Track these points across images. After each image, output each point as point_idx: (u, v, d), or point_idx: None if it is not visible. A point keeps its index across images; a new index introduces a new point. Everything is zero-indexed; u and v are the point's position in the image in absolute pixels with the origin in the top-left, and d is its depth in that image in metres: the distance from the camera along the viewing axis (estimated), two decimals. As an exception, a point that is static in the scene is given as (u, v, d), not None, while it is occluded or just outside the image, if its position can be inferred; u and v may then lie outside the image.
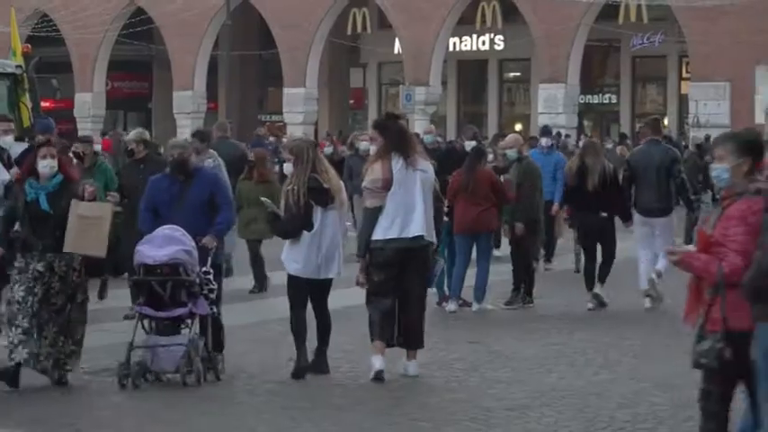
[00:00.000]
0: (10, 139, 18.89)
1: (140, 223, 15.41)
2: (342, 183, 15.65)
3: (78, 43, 63.75)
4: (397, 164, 14.50)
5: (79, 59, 64.27)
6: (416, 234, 14.53)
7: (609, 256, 21.45)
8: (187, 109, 61.52)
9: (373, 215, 14.67)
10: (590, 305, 20.94)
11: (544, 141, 27.76)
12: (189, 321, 14.16)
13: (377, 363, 14.48)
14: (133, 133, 21.59)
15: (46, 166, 14.12)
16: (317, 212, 14.61)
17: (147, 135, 20.79)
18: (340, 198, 15.05)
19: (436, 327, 17.74)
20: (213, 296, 14.55)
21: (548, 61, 55.17)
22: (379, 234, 14.51)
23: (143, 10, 62.61)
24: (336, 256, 14.86)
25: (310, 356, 14.95)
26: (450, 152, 30.08)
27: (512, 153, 21.54)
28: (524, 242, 21.30)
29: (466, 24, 59.31)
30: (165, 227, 14.24)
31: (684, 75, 56.09)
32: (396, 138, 14.82)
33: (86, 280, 14.58)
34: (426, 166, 15.12)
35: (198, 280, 14.00)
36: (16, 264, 14.16)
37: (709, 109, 50.43)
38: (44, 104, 29.96)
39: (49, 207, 14.04)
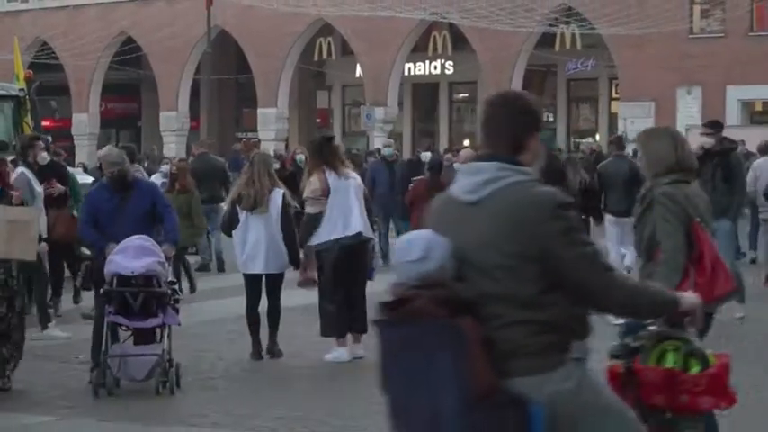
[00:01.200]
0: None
1: (82, 235, 14.37)
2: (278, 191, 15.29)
3: (75, 69, 63.45)
4: (330, 175, 14.89)
5: (76, 83, 64.03)
6: (356, 231, 14.85)
7: None
8: (172, 127, 61.43)
9: (313, 220, 14.91)
10: None
11: (448, 157, 27.31)
12: (160, 331, 12.69)
13: (345, 354, 14.72)
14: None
15: None
16: (243, 215, 14.93)
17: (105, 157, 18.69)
18: (269, 204, 14.97)
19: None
20: (179, 306, 13.17)
21: (492, 84, 54.65)
22: (324, 236, 14.73)
23: (132, 39, 62.32)
24: (262, 254, 14.89)
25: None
26: (412, 163, 31.05)
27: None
28: None
29: (419, 51, 59.22)
30: (135, 237, 12.77)
31: (614, 95, 55.97)
32: (326, 155, 15.19)
33: (23, 287, 13.85)
34: (354, 175, 15.60)
35: (169, 291, 12.71)
36: None
37: (637, 126, 49.88)
38: (44, 123, 29.69)
39: None
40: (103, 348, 12.51)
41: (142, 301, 12.43)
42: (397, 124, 58.93)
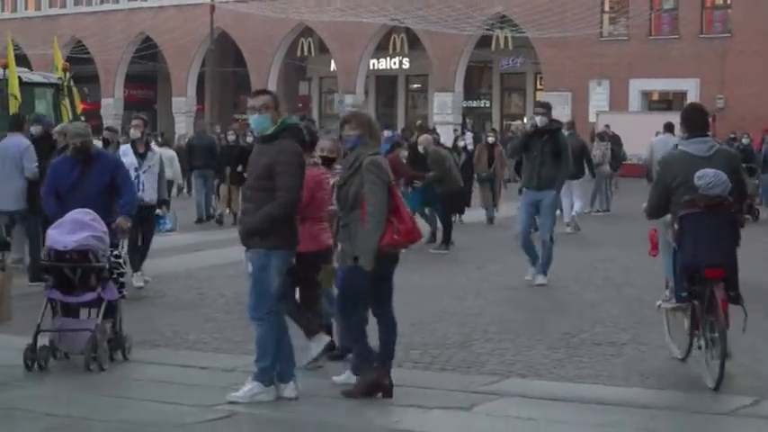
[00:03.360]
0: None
1: (44, 206, 11.86)
2: None
3: (103, 62, 63.13)
4: None
5: (104, 73, 63.60)
6: None
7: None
8: (182, 110, 61.13)
9: None
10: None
11: (387, 133, 25.16)
12: (96, 306, 10.31)
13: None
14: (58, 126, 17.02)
15: None
16: None
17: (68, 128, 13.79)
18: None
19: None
20: (123, 279, 10.91)
21: (440, 76, 54.94)
22: None
23: (150, 38, 62.08)
24: None
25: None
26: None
27: (422, 148, 21.08)
28: (446, 205, 20.40)
29: (382, 50, 58.91)
30: (75, 211, 10.52)
31: (538, 87, 55.71)
32: None
33: None
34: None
35: (107, 265, 10.34)
36: None
37: (557, 111, 50.39)
38: (80, 106, 29.51)
39: None
40: (39, 321, 10.17)
41: (80, 276, 10.22)
42: (364, 108, 58.80)
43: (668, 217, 9.93)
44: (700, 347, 9.54)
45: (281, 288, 8.80)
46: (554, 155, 14.87)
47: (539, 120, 14.99)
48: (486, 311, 13.01)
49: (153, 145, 16.29)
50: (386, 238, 8.57)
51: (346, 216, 8.81)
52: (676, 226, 9.57)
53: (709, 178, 9.31)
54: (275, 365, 8.70)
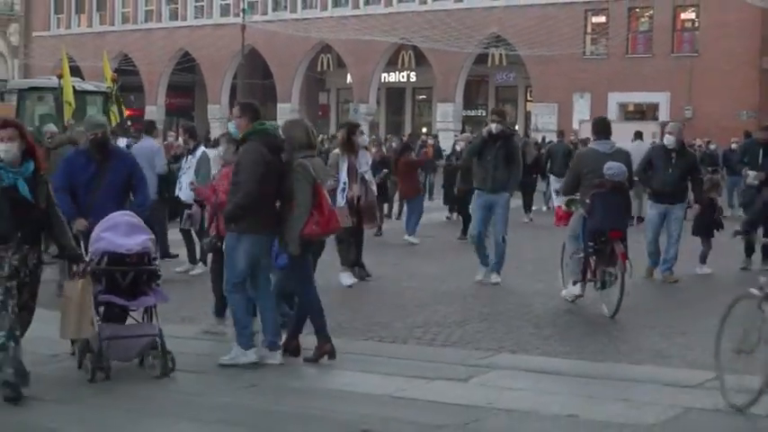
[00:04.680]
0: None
1: (57, 201, 8.28)
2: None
3: (147, 73, 63.14)
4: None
5: (148, 84, 63.61)
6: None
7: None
8: (216, 116, 60.92)
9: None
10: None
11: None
12: (153, 310, 8.64)
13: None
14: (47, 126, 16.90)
15: (5, 150, 7.68)
16: None
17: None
18: None
19: (380, 256, 16.37)
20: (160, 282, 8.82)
21: (443, 89, 54.91)
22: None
23: (189, 53, 62.16)
24: None
25: None
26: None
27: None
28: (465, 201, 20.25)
29: (392, 65, 58.92)
30: (120, 213, 8.83)
31: (528, 98, 55.78)
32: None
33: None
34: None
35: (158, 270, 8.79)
36: None
37: (544, 120, 50.42)
38: (126, 112, 29.54)
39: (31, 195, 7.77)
40: (96, 330, 8.27)
41: (131, 280, 8.48)
42: (376, 116, 58.79)
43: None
44: (598, 288, 11.73)
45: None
46: (507, 160, 13.75)
47: (494, 126, 13.73)
48: (481, 295, 12.95)
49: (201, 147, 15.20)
50: (307, 228, 8.80)
51: (283, 209, 8.97)
52: (588, 201, 11.80)
53: (614, 169, 11.78)
54: (246, 331, 8.88)
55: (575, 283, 12.08)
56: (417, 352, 9.65)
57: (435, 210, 23.69)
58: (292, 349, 9.13)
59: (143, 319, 8.76)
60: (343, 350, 9.25)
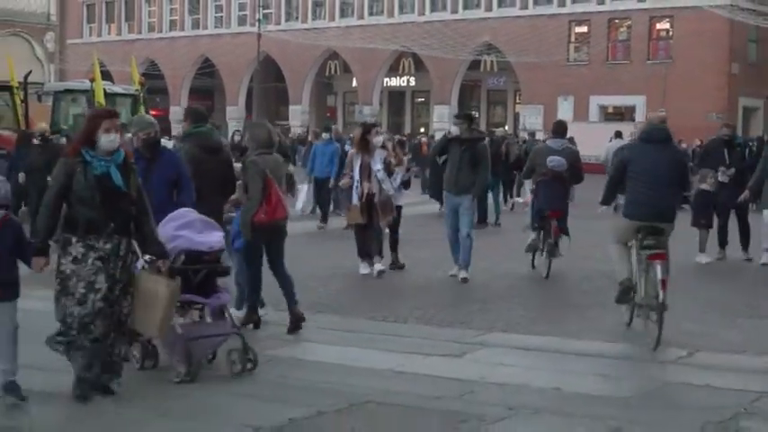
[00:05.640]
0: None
1: None
2: None
3: (172, 78, 62.95)
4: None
5: (172, 87, 63.40)
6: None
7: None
8: (234, 117, 60.79)
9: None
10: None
11: (324, 135, 21.08)
12: (225, 308, 7.86)
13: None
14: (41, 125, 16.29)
15: (112, 140, 6.84)
16: None
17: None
18: None
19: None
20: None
21: (440, 92, 54.83)
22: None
23: (209, 59, 62.02)
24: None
25: None
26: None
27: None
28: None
29: (393, 70, 58.71)
30: (187, 210, 7.86)
31: (517, 101, 55.65)
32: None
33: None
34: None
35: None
36: (71, 251, 6.77)
37: (531, 121, 50.35)
38: (152, 112, 29.52)
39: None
40: (180, 331, 7.48)
41: (204, 278, 7.61)
42: (379, 117, 58.77)
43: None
44: (543, 255, 13.33)
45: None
46: (472, 163, 12.62)
47: (453, 129, 12.78)
48: (473, 280, 12.92)
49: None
50: (256, 216, 9.06)
51: (243, 198, 9.30)
52: (534, 186, 13.49)
53: (554, 162, 13.05)
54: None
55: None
56: (416, 331, 9.64)
57: (430, 202, 23.53)
58: (254, 322, 9.43)
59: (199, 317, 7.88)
60: (349, 328, 9.27)
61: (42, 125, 16.43)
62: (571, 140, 25.48)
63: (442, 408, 6.80)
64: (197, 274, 7.59)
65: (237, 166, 9.66)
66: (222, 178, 9.28)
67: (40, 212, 6.88)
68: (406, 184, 13.96)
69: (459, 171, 12.65)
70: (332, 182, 19.16)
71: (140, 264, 7.11)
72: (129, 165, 7.00)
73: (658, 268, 8.90)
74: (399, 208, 13.85)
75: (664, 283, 8.80)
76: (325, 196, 19.91)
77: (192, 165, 8.90)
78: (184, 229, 7.64)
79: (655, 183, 9.14)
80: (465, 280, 12.63)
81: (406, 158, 14.54)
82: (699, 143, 27.11)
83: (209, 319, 7.94)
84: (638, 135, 10.29)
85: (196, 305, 7.75)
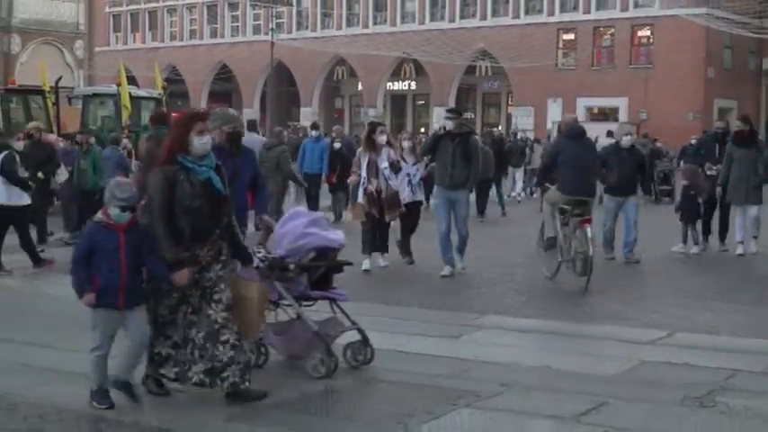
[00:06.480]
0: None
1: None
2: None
3: (192, 83, 63.01)
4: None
5: (192, 91, 63.43)
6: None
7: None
8: (250, 118, 61.11)
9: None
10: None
11: (313, 132, 19.89)
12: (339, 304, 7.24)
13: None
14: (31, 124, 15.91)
15: (205, 143, 5.96)
16: None
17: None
18: None
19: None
20: None
21: (438, 95, 54.79)
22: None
23: (227, 65, 62.09)
24: None
25: None
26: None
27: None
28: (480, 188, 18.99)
29: (396, 75, 58.84)
30: (299, 209, 7.44)
31: (510, 103, 55.69)
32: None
33: None
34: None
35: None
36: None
37: (523, 122, 50.33)
38: (174, 115, 29.49)
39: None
40: (315, 329, 6.90)
41: (322, 273, 6.93)
42: (382, 119, 58.78)
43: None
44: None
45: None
46: (464, 157, 11.74)
47: (448, 124, 11.76)
48: (470, 267, 12.89)
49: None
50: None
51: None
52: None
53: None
54: None
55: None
56: (417, 314, 9.61)
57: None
58: None
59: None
60: (358, 312, 9.27)
61: (34, 123, 15.72)
62: (513, 134, 25.54)
63: (440, 384, 6.79)
64: (317, 270, 6.89)
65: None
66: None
67: (158, 228, 5.84)
68: (425, 180, 13.57)
69: (454, 166, 11.76)
70: (323, 177, 18.73)
71: (255, 263, 6.47)
72: (220, 167, 6.10)
73: (587, 229, 11.00)
74: (419, 203, 12.89)
75: (591, 240, 10.91)
76: (314, 191, 19.15)
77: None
78: (313, 226, 6.93)
79: (578, 168, 11.42)
80: (462, 269, 12.26)
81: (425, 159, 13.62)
82: (694, 140, 27.16)
83: (337, 315, 7.26)
84: (563, 133, 12.14)
85: (287, 304, 6.91)
